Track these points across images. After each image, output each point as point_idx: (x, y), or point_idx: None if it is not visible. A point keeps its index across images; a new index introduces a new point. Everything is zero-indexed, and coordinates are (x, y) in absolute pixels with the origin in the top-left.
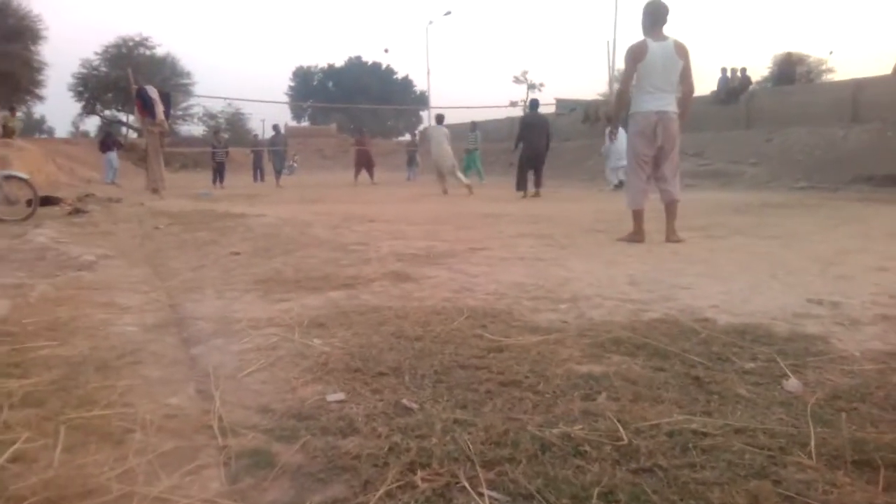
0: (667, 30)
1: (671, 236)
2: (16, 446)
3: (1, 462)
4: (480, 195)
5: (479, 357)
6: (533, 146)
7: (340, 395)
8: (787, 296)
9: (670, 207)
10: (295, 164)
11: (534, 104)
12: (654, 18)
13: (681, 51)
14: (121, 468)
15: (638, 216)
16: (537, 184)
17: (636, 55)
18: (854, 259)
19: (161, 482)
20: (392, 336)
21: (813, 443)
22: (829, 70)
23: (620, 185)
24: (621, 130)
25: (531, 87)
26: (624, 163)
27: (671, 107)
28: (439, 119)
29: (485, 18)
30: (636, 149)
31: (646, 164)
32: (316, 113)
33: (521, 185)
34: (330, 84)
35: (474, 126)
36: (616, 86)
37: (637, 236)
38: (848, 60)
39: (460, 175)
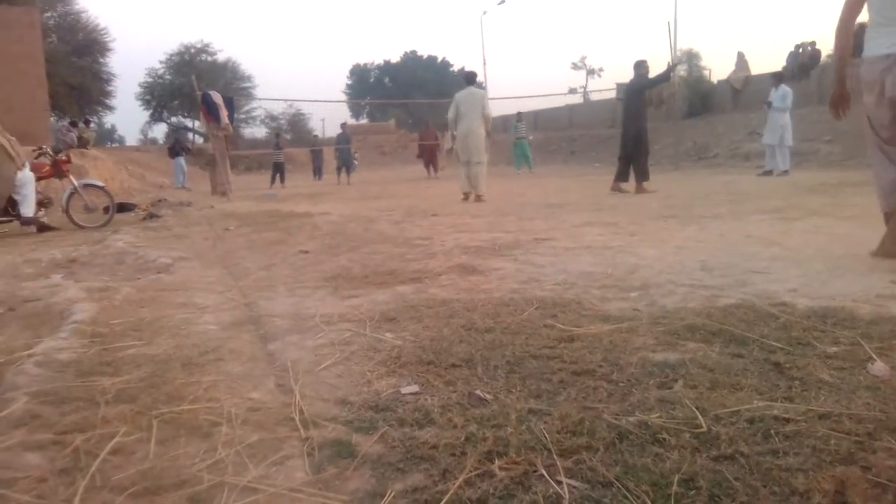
0: None
1: None
2: (116, 440)
3: (103, 454)
4: (542, 185)
5: (550, 347)
6: (623, 123)
7: (414, 388)
8: (870, 277)
9: None
10: (356, 162)
11: (638, 66)
12: None
13: None
14: (211, 459)
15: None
16: (636, 176)
17: None
18: None
19: (249, 472)
20: (462, 328)
21: None
22: None
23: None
24: (780, 92)
25: (590, 72)
26: (787, 139)
27: None
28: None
29: (540, 4)
30: (865, 116)
31: (884, 133)
32: (374, 110)
33: (619, 174)
34: (386, 80)
35: (520, 116)
36: (680, 68)
37: None
38: None
39: None
